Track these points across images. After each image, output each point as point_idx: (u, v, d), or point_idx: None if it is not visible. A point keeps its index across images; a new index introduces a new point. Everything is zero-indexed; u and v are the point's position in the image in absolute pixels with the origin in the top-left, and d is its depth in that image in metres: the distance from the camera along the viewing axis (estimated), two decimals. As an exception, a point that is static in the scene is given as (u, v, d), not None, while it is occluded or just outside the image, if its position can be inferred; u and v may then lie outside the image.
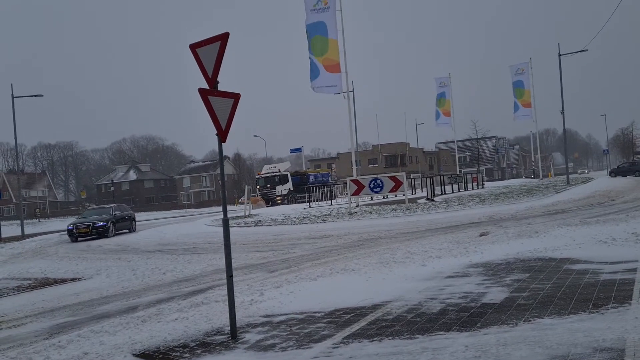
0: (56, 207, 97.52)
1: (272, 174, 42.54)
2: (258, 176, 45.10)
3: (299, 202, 38.59)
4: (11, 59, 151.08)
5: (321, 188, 42.62)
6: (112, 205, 28.44)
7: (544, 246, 9.90)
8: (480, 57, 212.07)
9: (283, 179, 41.95)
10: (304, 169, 51.83)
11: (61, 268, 14.93)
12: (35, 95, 36.92)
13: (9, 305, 10.02)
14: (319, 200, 37.67)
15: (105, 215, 24.94)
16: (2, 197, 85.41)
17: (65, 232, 24.87)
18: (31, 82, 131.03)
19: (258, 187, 43.12)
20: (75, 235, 23.57)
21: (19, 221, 37.53)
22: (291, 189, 41.66)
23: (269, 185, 41.76)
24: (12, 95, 35.54)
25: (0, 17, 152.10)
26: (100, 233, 23.77)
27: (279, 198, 41.08)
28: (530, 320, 5.41)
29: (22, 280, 13.13)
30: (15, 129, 36.00)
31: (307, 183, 41.88)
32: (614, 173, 45.89)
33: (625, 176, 43.49)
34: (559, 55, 39.16)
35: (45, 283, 12.36)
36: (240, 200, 49.36)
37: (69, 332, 7.12)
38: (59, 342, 6.48)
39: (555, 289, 6.65)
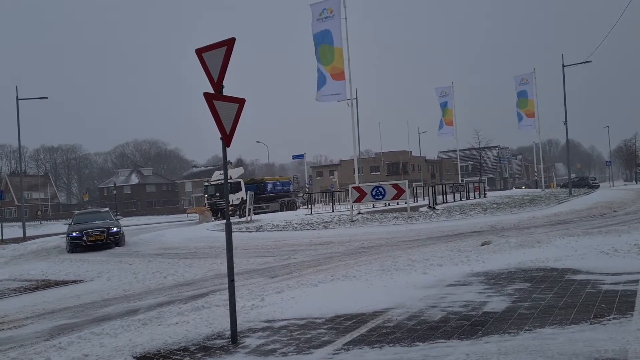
0: (58, 210, 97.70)
1: (220, 181, 37.41)
2: (206, 183, 39.45)
3: (254, 214, 34.37)
4: (15, 61, 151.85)
5: (280, 198, 40.34)
6: (106, 209, 25.03)
7: (545, 256, 9.89)
8: (484, 66, 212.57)
9: (235, 187, 37.24)
10: (262, 177, 46.44)
11: (62, 270, 14.94)
12: (40, 98, 37.06)
13: (10, 306, 10.02)
14: (277, 211, 36.26)
15: (109, 220, 21.99)
16: (4, 199, 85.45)
17: (66, 240, 20.59)
18: (35, 85, 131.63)
19: (206, 195, 38.30)
20: (86, 243, 19.88)
21: (20, 223, 37.58)
22: (244, 198, 35.99)
23: (218, 194, 36.91)
24: (17, 97, 35.70)
25: (4, 19, 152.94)
26: (116, 241, 20.53)
27: (230, 209, 38.90)
28: (531, 330, 5.40)
29: (23, 282, 13.14)
30: (19, 131, 36.16)
31: (264, 192, 39.07)
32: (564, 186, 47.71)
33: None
34: (563, 66, 39.24)
35: (46, 285, 12.37)
36: (189, 210, 46.62)
37: (70, 333, 7.13)
38: (60, 343, 6.48)
39: (557, 299, 6.64)
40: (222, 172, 39.08)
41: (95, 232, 20.13)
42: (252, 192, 31.73)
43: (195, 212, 38.64)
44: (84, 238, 19.91)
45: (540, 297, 6.85)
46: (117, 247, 20.25)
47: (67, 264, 16.29)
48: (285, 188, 42.21)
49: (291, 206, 41.25)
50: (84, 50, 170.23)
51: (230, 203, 35.90)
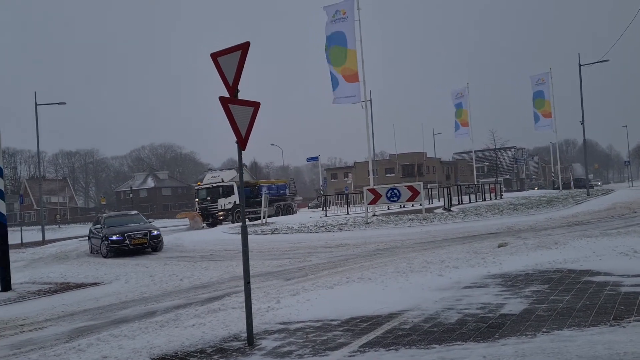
0: (76, 213, 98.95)
1: (215, 185, 36.18)
2: (198, 187, 38.15)
3: (248, 219, 33.53)
4: (34, 67, 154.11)
5: (276, 202, 38.36)
6: (134, 211, 24.11)
7: (563, 258, 9.78)
8: (500, 66, 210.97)
9: (227, 191, 35.59)
10: (256, 179, 44.91)
11: (81, 273, 15.12)
12: (58, 103, 37.62)
13: (30, 308, 10.18)
14: (272, 216, 34.07)
15: (145, 223, 20.93)
16: (24, 203, 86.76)
17: (104, 244, 19.12)
18: (53, 90, 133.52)
19: (197, 200, 36.87)
20: (129, 247, 18.73)
21: (39, 226, 38.14)
22: (237, 202, 35.08)
23: (209, 198, 35.42)
24: (36, 103, 36.28)
25: (22, 26, 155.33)
26: (156, 245, 19.49)
27: (220, 213, 34.88)
28: (549, 332, 5.35)
29: (42, 285, 13.32)
30: (37, 136, 36.75)
31: (259, 196, 36.13)
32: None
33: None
34: (580, 65, 38.83)
35: (65, 287, 12.54)
36: (178, 215, 45.41)
37: (89, 335, 7.22)
38: (79, 345, 6.57)
39: (575, 301, 6.57)
40: (214, 174, 38.32)
41: (138, 235, 19.07)
42: (267, 195, 31.78)
43: (185, 217, 36.67)
44: (127, 241, 18.77)
45: (558, 298, 6.79)
46: (155, 252, 19.38)
47: (85, 267, 16.49)
48: (282, 192, 40.39)
49: (287, 210, 39.69)
50: (100, 55, 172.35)
51: (222, 207, 34.76)
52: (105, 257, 18.86)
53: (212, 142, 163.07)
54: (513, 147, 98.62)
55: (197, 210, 35.74)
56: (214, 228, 31.64)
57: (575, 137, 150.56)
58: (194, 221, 33.92)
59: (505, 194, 44.11)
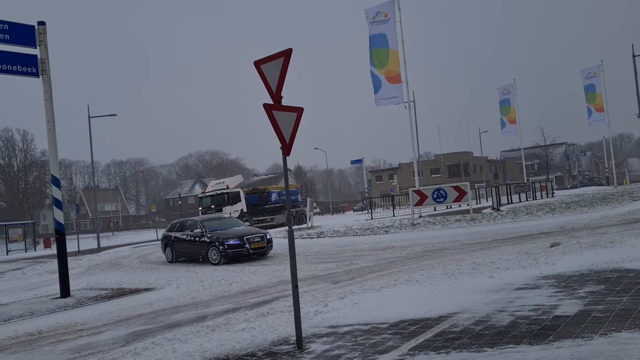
0: (128, 221, 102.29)
1: (220, 191, 34.13)
2: (201, 194, 35.82)
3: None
4: (86, 82, 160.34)
5: (280, 210, 35.24)
6: (226, 214, 22.13)
7: (620, 257, 9.42)
8: (548, 61, 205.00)
9: (233, 198, 33.40)
10: (265, 186, 41.93)
11: (135, 279, 15.60)
12: (109, 115, 38.98)
13: (88, 314, 10.57)
14: (283, 224, 32.04)
15: (249, 227, 20.15)
16: (80, 212, 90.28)
17: (215, 250, 17.24)
18: (104, 103, 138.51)
19: (200, 208, 34.58)
20: (249, 251, 17.09)
21: (95, 234, 39.55)
22: (244, 210, 33.02)
23: (213, 206, 33.19)
24: (89, 115, 37.73)
25: (75, 39, 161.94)
26: (270, 248, 18.00)
27: None
28: (606, 334, 5.17)
29: (99, 291, 13.82)
30: (91, 147, 38.18)
31: (269, 202, 34.55)
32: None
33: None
34: (634, 56, 37.40)
35: (121, 293, 12.96)
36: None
37: (144, 339, 7.44)
38: (135, 349, 6.79)
39: (634, 302, 6.32)
40: (218, 181, 36.35)
41: (256, 239, 17.45)
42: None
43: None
44: (247, 245, 17.11)
45: (615, 299, 6.54)
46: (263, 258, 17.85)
47: (139, 273, 17.00)
48: (293, 198, 36.77)
49: (300, 218, 35.54)
50: (145, 67, 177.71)
51: (228, 216, 31.21)
52: (216, 264, 17.09)
53: (258, 148, 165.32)
54: (564, 144, 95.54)
55: None
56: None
57: (631, 130, 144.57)
58: None
59: (557, 192, 42.79)
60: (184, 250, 18.98)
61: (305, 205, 38.88)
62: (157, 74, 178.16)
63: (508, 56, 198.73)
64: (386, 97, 24.24)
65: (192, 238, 18.34)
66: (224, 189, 34.16)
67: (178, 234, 19.23)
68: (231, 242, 17.04)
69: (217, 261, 17.20)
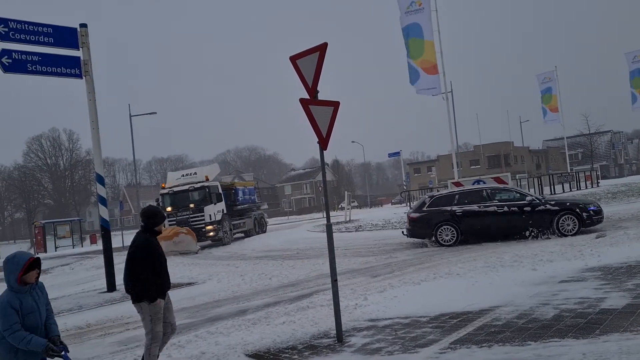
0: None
1: (193, 185, 23.50)
2: (164, 190, 24.02)
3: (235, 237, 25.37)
4: (128, 80, 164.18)
5: (252, 211, 28.10)
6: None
7: (671, 248, 9.08)
8: (590, 47, 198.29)
9: (216, 195, 23.81)
10: (231, 181, 32.58)
11: (177, 273, 15.91)
12: (150, 113, 39.83)
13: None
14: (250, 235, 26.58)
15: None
16: (123, 209, 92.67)
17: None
18: (143, 100, 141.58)
19: (169, 209, 23.22)
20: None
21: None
22: (224, 210, 24.13)
23: (192, 205, 23.19)
24: (130, 114, 38.67)
25: (122, 38, 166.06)
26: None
27: (209, 228, 23.07)
28: (657, 328, 5.00)
29: (143, 285, 14.18)
30: (133, 145, 39.14)
31: (237, 203, 26.30)
32: None
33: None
34: (682, 38, 35.74)
35: (164, 287, 13.26)
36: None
37: (187, 333, 7.61)
38: (179, 342, 6.96)
39: (686, 295, 6.09)
40: (187, 172, 25.64)
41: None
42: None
43: (170, 237, 20.50)
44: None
45: (666, 292, 6.31)
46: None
47: (180, 268, 17.35)
48: (252, 197, 28.98)
49: (260, 224, 28.90)
50: (185, 65, 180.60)
51: (209, 220, 23.17)
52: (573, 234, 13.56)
53: (295, 142, 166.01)
54: (609, 131, 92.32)
55: (174, 224, 22.62)
56: (307, 224, 31.44)
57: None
58: (181, 242, 20.84)
59: (602, 182, 41.49)
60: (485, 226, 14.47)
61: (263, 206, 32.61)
62: (195, 72, 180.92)
63: (549, 42, 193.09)
64: (424, 87, 23.96)
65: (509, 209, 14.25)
66: (204, 182, 23.58)
67: (473, 207, 14.61)
68: (592, 207, 14.15)
69: (573, 232, 13.72)
